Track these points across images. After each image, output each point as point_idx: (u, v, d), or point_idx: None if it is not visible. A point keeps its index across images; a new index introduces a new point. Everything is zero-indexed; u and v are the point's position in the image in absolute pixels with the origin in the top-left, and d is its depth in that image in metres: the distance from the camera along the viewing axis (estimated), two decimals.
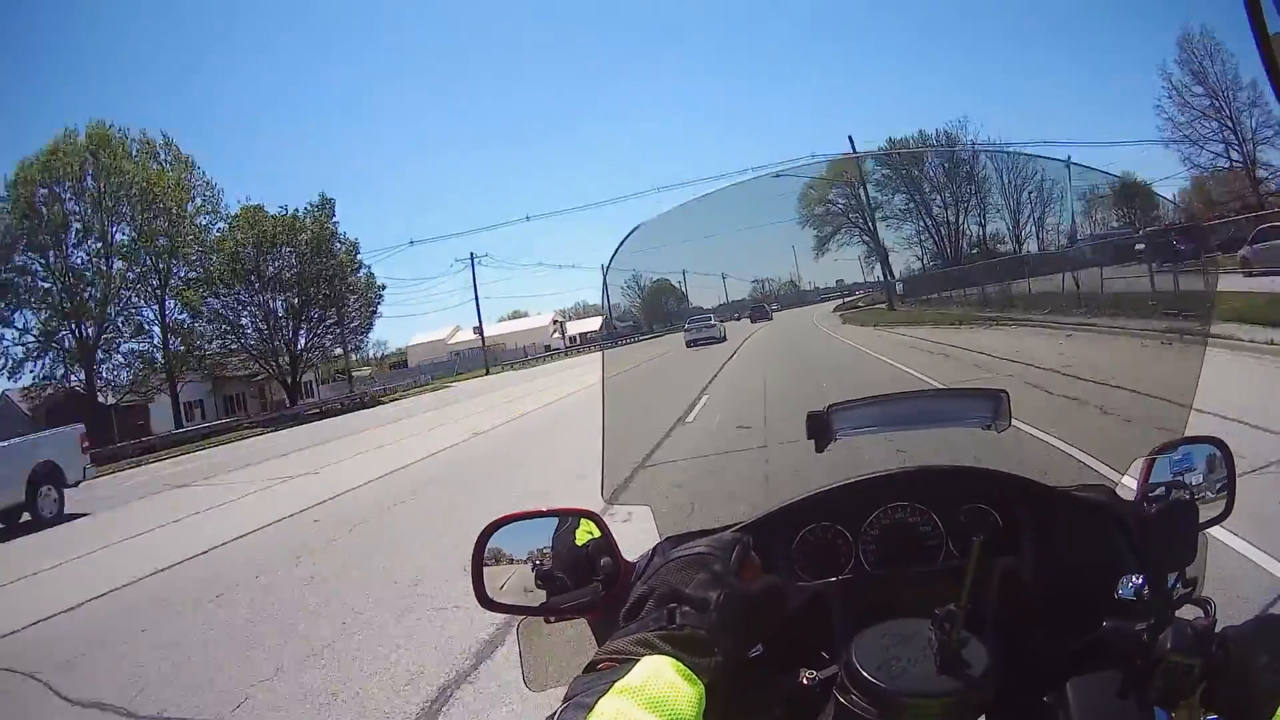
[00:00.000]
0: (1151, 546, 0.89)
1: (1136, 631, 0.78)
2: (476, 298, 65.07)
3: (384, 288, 48.64)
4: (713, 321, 1.86)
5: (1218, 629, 0.76)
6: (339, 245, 45.66)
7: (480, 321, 64.70)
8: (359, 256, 46.98)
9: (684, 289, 1.57)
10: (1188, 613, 0.83)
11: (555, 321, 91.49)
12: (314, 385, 51.39)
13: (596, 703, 0.58)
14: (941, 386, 1.10)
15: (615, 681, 0.61)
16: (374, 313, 48.23)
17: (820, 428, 1.03)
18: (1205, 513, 0.95)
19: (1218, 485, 1.00)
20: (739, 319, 1.87)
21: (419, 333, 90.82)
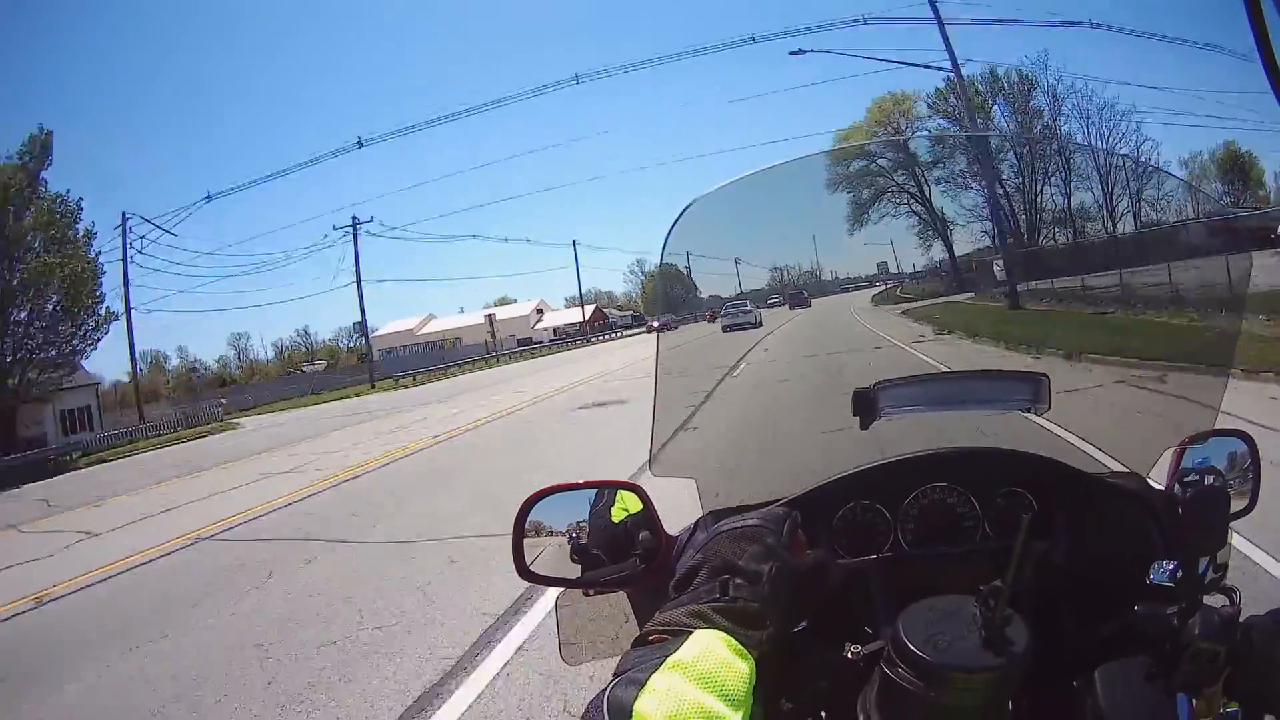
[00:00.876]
0: (1183, 532, 0.90)
1: (1166, 616, 0.79)
2: (359, 272, 45.37)
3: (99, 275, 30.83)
4: (749, 307, 1.86)
5: (1242, 618, 0.77)
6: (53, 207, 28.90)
7: (364, 308, 47.04)
8: (84, 227, 29.80)
9: (737, 276, 1.53)
10: (1214, 601, 0.85)
11: (537, 311, 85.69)
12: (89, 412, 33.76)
13: (649, 679, 0.58)
14: (985, 369, 1.10)
15: (667, 656, 0.61)
16: (91, 308, 30.32)
17: (866, 405, 1.03)
18: (1231, 505, 0.97)
19: (1243, 479, 1.02)
20: (771, 306, 1.86)
21: (394, 319, 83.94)
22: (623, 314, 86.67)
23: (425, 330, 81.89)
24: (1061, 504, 0.96)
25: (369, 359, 50.99)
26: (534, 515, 0.96)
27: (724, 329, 1.93)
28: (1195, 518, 0.91)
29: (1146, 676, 0.78)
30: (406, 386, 37.57)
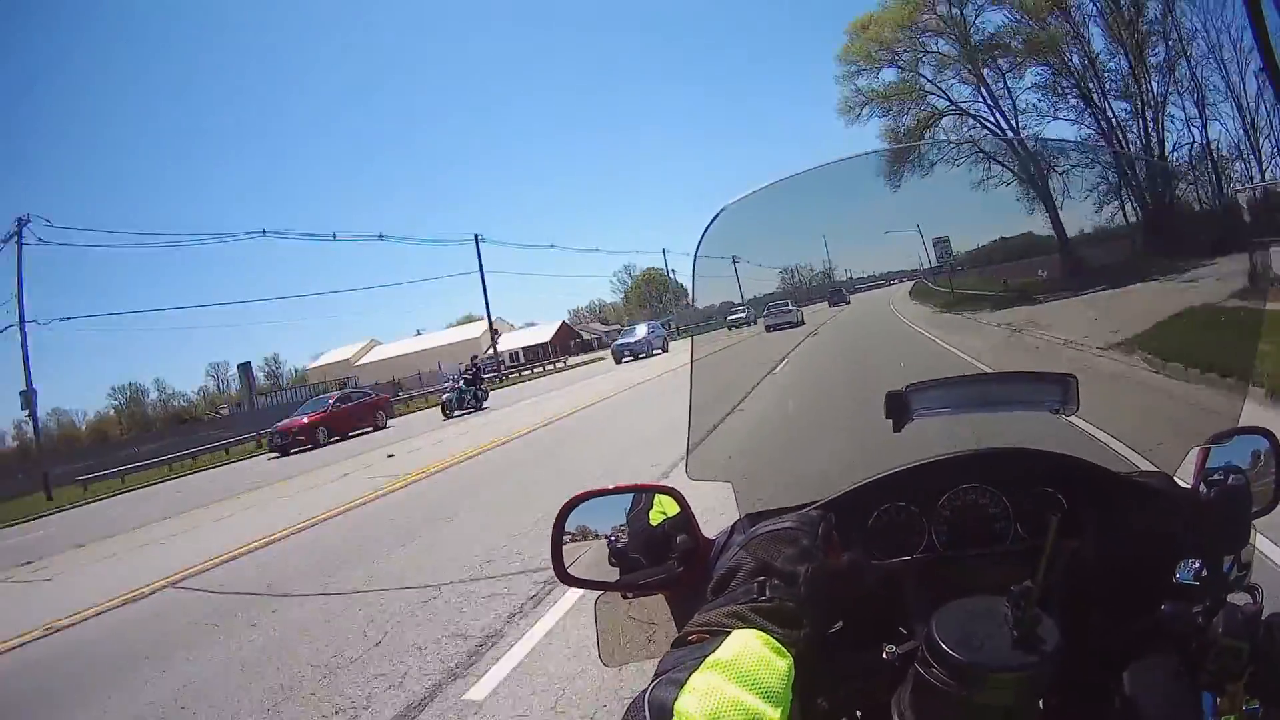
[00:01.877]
0: (1209, 531, 0.92)
1: (1193, 614, 0.80)
2: None
3: None
4: (790, 306, 1.87)
5: (1264, 615, 0.79)
6: None
7: None
8: None
9: (784, 281, 1.52)
10: (1236, 599, 0.87)
11: (493, 331, 76.43)
12: None
13: (688, 678, 0.59)
14: (1012, 370, 1.11)
15: (706, 656, 0.62)
16: None
17: (899, 407, 1.05)
18: (1254, 502, 0.98)
19: (1266, 476, 1.04)
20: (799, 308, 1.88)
21: (334, 348, 74.78)
22: (608, 328, 78.52)
23: (366, 360, 71.41)
24: (1091, 503, 0.97)
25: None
26: (574, 520, 0.97)
27: (767, 329, 1.95)
28: (1220, 516, 0.92)
29: (1174, 675, 0.80)
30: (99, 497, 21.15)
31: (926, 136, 22.58)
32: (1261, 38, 0.62)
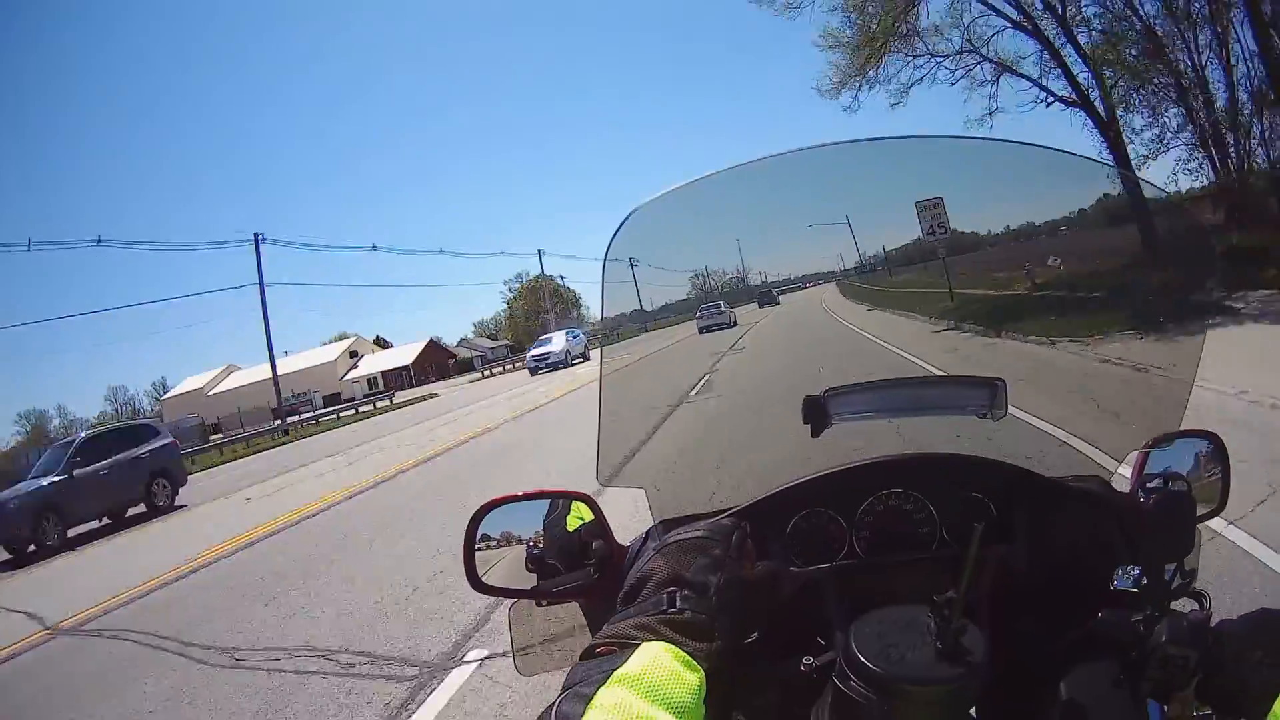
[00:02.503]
0: (1148, 538, 0.89)
1: (1131, 623, 0.78)
2: None
3: None
4: (723, 308, 1.87)
5: (1213, 622, 0.77)
6: None
7: None
8: None
9: (695, 286, 1.50)
10: (1183, 606, 0.83)
11: (351, 354, 66.33)
12: None
13: (595, 693, 0.57)
14: (939, 374, 1.09)
15: (614, 670, 0.60)
16: None
17: (817, 412, 1.03)
18: (1199, 507, 0.95)
19: (1212, 480, 1.00)
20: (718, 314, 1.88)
21: (193, 374, 67.22)
22: (495, 345, 71.87)
23: (221, 388, 63.81)
24: (1021, 509, 0.95)
25: None
26: (487, 527, 0.96)
27: (700, 330, 1.95)
28: (1160, 522, 0.90)
29: (1113, 683, 0.78)
30: None
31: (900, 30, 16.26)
32: (1262, 37, 0.61)
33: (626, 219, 0.99)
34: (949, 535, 0.96)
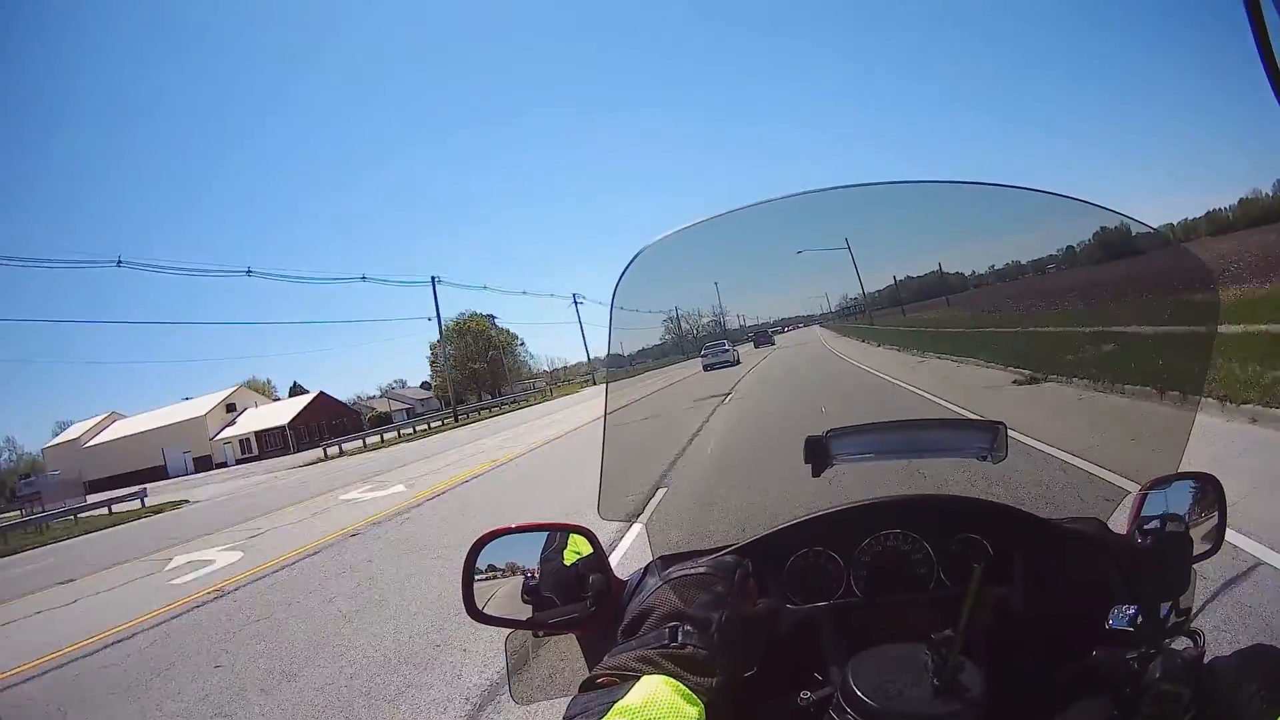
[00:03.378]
0: (1144, 577, 0.89)
1: (1126, 660, 0.78)
2: None
3: None
4: (727, 346, 1.91)
5: (1206, 659, 0.77)
6: None
7: None
8: None
9: (667, 329, 1.52)
10: (1178, 644, 0.83)
11: (228, 407, 56.06)
12: None
13: None
14: (940, 417, 1.10)
15: (615, 702, 0.61)
16: None
17: (818, 453, 1.04)
18: (1195, 547, 0.95)
19: (1208, 520, 1.00)
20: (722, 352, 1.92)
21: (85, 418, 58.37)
22: (425, 396, 66.42)
23: (102, 439, 56.01)
24: (1019, 550, 0.95)
25: None
26: (486, 557, 0.98)
27: (705, 368, 1.98)
28: (1156, 563, 0.90)
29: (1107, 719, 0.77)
30: None
31: None
32: (1261, 38, 0.64)
33: (635, 259, 1.02)
34: (946, 576, 0.96)
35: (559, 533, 0.99)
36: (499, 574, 0.97)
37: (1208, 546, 0.98)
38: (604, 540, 0.98)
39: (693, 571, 0.84)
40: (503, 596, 0.97)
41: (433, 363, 66.08)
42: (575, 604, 0.95)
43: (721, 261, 1.22)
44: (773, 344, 1.89)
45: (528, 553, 0.98)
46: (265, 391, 66.28)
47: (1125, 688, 0.76)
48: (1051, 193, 0.99)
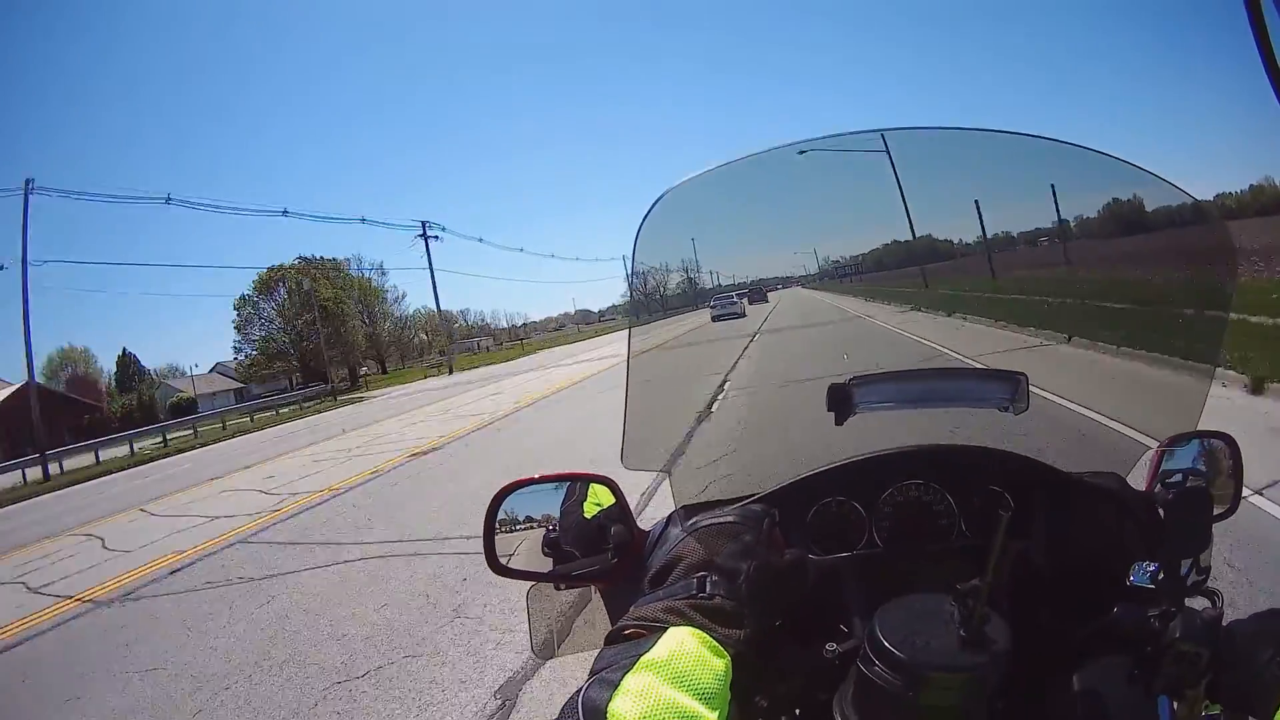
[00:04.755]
0: (1167, 534, 0.89)
1: (1147, 618, 0.78)
2: None
3: None
4: (734, 299, 1.90)
5: (1225, 621, 0.77)
6: None
7: None
8: None
9: (692, 274, 1.48)
10: (1195, 603, 0.84)
11: None
12: None
13: (622, 679, 0.58)
14: (963, 366, 1.10)
15: (640, 655, 0.60)
16: None
17: (842, 400, 1.03)
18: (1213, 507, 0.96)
19: (1224, 480, 1.01)
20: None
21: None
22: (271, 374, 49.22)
23: None
24: (1040, 503, 0.95)
25: None
26: (506, 509, 0.96)
27: (713, 318, 1.98)
28: (1177, 519, 0.90)
29: (1127, 678, 0.78)
30: None
31: None
32: (1261, 38, 0.62)
33: (658, 200, 0.98)
34: (967, 527, 0.96)
35: (579, 483, 0.97)
36: (519, 526, 0.95)
37: (1225, 507, 0.99)
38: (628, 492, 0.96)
39: (720, 520, 0.83)
40: (524, 549, 0.95)
41: (240, 328, 50.10)
42: (597, 556, 0.94)
43: (742, 208, 1.18)
44: (765, 301, 1.89)
45: (549, 504, 0.96)
46: (85, 361, 52.39)
47: (1146, 646, 0.77)
48: (1099, 151, 0.97)
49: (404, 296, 62.08)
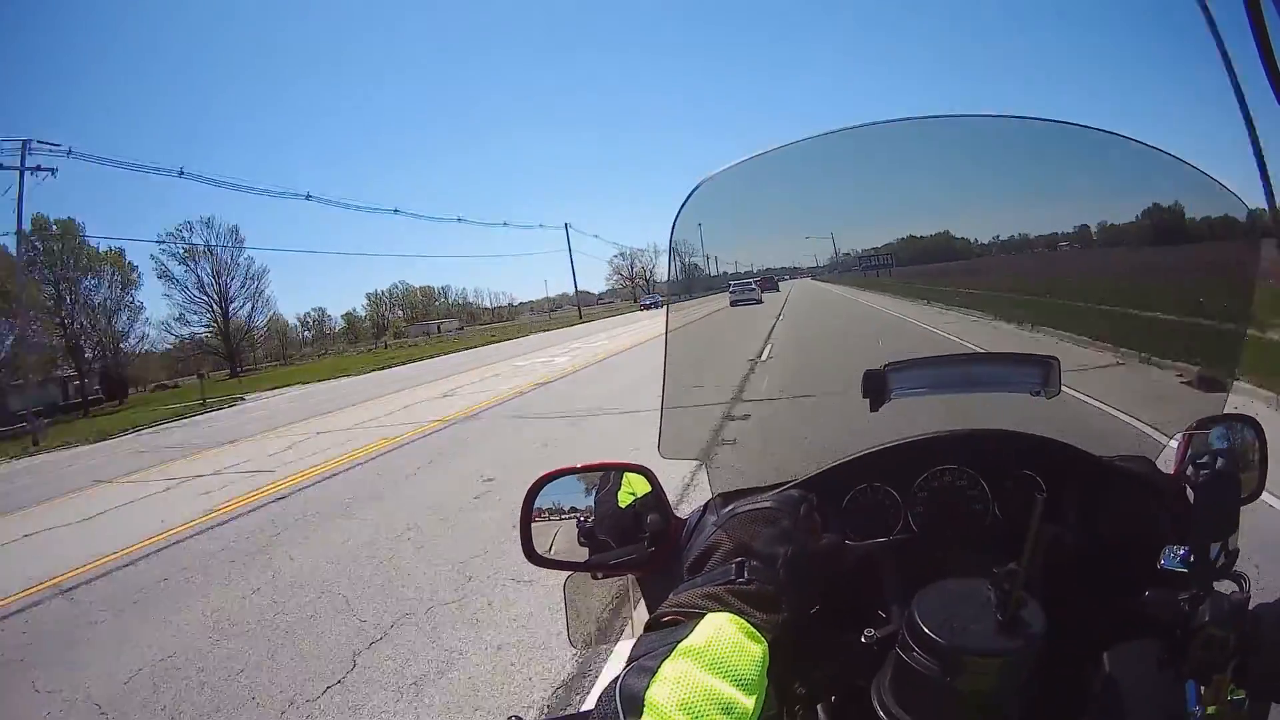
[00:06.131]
0: (1196, 517, 0.90)
1: (1177, 601, 0.79)
2: None
3: None
4: (752, 285, 1.92)
5: (1251, 605, 0.77)
6: None
7: None
8: None
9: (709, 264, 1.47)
10: (1223, 587, 0.85)
11: None
12: None
13: (660, 666, 0.58)
14: (994, 351, 1.10)
15: (678, 642, 0.60)
16: None
17: (876, 386, 1.03)
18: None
19: (1250, 463, 1.02)
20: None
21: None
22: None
23: None
24: (1072, 487, 0.96)
25: None
26: (542, 500, 0.96)
27: (731, 304, 2.00)
28: (1206, 503, 0.90)
29: (1156, 662, 0.78)
30: None
31: None
32: (1261, 38, 0.62)
33: (695, 189, 0.98)
34: (1000, 512, 0.97)
35: (614, 473, 0.97)
36: (555, 517, 0.95)
37: (1248, 491, 0.99)
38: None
39: (757, 506, 0.83)
40: (560, 539, 0.95)
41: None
42: (632, 545, 0.94)
43: (772, 200, 1.17)
44: (776, 290, 1.90)
45: (584, 495, 0.96)
46: None
47: (1175, 630, 0.77)
48: (1138, 141, 0.96)
49: (266, 272, 54.10)
